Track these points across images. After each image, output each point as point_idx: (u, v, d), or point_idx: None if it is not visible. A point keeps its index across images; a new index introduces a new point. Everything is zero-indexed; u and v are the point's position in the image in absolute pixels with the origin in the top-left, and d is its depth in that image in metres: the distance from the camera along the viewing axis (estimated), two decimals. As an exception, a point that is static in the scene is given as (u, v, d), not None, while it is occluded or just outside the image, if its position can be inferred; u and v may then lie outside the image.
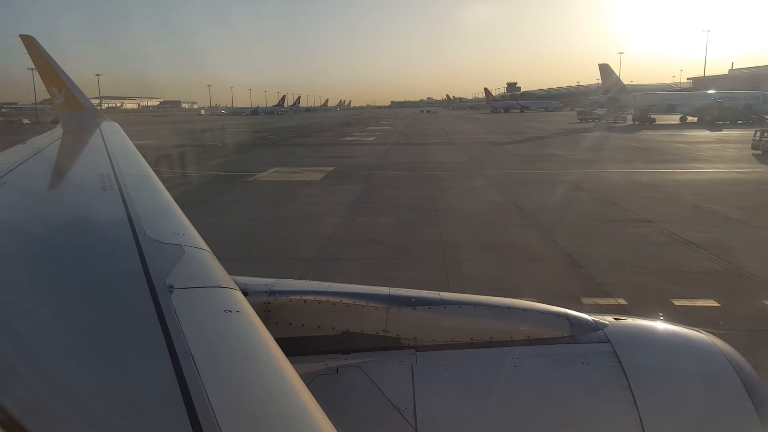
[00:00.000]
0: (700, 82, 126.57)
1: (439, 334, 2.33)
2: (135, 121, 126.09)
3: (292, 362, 1.39)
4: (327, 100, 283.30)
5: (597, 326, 2.36)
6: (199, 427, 1.03)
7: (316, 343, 2.33)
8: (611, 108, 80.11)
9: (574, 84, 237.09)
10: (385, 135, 64.39)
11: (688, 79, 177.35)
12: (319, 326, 2.35)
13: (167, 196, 3.29)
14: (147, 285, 1.69)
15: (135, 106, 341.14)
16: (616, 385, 2.11)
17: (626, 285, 10.86)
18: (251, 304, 1.73)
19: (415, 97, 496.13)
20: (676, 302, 9.91)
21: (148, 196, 3.32)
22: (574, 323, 2.37)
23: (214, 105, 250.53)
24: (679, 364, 2.25)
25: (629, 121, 76.99)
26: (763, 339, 8.38)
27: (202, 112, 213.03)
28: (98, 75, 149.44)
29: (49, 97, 9.74)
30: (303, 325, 2.36)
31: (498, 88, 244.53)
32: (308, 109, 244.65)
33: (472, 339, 2.32)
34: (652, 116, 74.59)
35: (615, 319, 2.46)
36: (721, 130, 58.97)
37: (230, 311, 1.60)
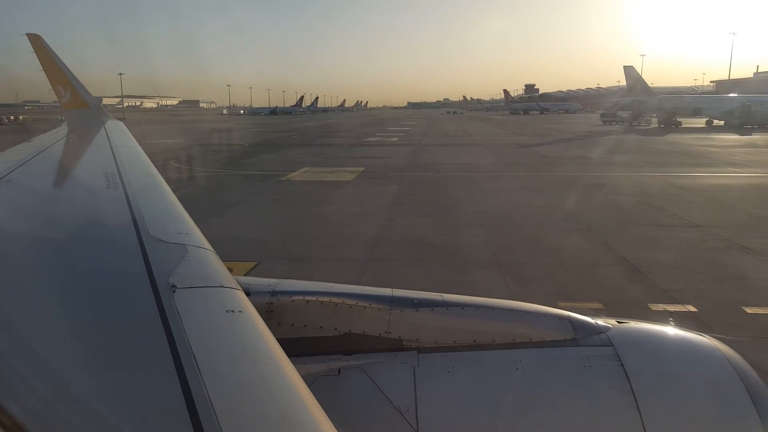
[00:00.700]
0: (723, 86, 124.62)
1: (441, 336, 2.33)
2: (158, 120, 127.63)
3: (294, 363, 1.38)
4: (344, 100, 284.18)
5: (600, 329, 2.36)
6: (200, 427, 1.02)
7: (318, 344, 2.33)
8: (635, 110, 79.03)
9: (593, 86, 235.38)
10: (407, 136, 64.14)
11: (711, 82, 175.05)
12: (321, 327, 2.36)
13: (171, 195, 3.26)
14: (149, 284, 1.67)
15: (154, 105, 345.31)
16: (619, 389, 2.09)
17: (692, 291, 10.54)
18: (254, 305, 1.72)
19: (431, 98, 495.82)
20: (748, 310, 9.60)
21: (152, 195, 3.31)
22: (576, 326, 2.36)
23: (232, 105, 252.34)
24: (682, 368, 2.23)
25: (654, 124, 75.88)
26: None
27: (225, 111, 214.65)
28: (121, 74, 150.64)
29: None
30: (305, 325, 2.36)
31: (516, 89, 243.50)
32: (325, 110, 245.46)
33: (474, 341, 2.32)
34: (678, 119, 73.45)
35: (618, 322, 2.45)
36: (750, 134, 57.85)
37: (232, 311, 1.58)
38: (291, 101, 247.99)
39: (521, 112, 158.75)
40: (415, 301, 2.40)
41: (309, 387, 1.29)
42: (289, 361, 1.38)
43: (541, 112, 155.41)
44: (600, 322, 2.41)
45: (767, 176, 26.85)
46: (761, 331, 8.93)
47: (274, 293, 2.40)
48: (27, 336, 1.39)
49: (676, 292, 10.47)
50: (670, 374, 2.19)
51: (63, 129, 8.11)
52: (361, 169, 30.17)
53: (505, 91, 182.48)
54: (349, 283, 2.62)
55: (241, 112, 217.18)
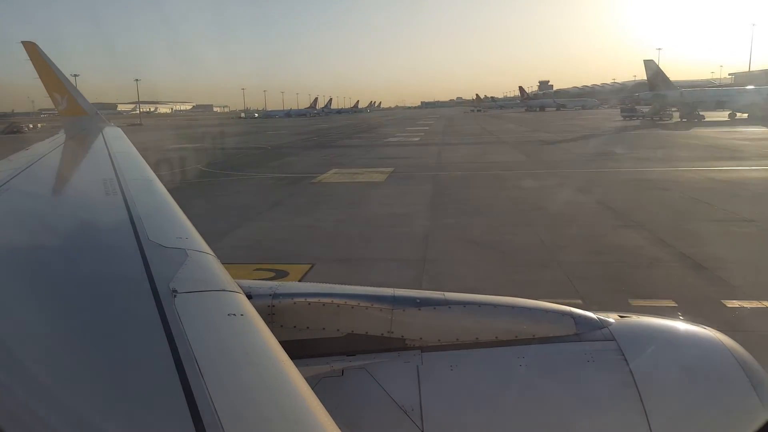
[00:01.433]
0: (742, 78, 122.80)
1: (444, 335, 2.32)
2: (176, 125, 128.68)
3: (297, 365, 1.38)
4: (358, 101, 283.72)
5: (602, 324, 2.36)
6: (203, 431, 1.01)
7: (321, 345, 2.32)
8: (656, 105, 77.96)
9: (609, 81, 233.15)
10: (427, 135, 63.97)
11: (729, 74, 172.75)
12: (323, 328, 2.35)
13: (170, 200, 3.26)
14: (150, 289, 1.66)
15: (169, 111, 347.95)
16: (622, 383, 2.09)
17: (764, 286, 10.29)
18: (255, 308, 1.71)
19: (444, 97, 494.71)
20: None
21: (151, 201, 3.32)
22: (579, 321, 2.36)
23: (246, 108, 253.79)
24: (684, 360, 2.22)
25: (675, 118, 74.80)
26: None
27: (243, 114, 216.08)
28: (137, 80, 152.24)
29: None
30: (307, 327, 2.35)
31: (530, 86, 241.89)
32: (339, 111, 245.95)
33: (477, 339, 2.31)
34: (701, 113, 72.32)
35: (620, 316, 2.45)
36: (777, 126, 56.83)
37: (234, 315, 1.58)
38: (305, 103, 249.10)
39: (537, 109, 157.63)
40: (418, 300, 2.39)
41: (312, 389, 1.29)
42: (292, 364, 1.37)
43: (558, 109, 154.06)
44: (602, 316, 2.41)
45: (808, 168, 26.29)
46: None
47: (275, 296, 2.40)
48: (29, 342, 1.39)
49: (748, 287, 10.22)
50: (673, 367, 2.19)
51: (60, 136, 8.04)
52: (391, 169, 30.07)
53: (520, 88, 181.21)
54: (354, 284, 2.61)
55: (255, 115, 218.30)
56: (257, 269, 12.34)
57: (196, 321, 1.50)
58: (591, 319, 2.39)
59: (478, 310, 2.39)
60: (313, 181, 26.72)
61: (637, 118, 79.56)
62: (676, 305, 9.39)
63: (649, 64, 79.22)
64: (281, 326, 2.31)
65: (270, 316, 2.32)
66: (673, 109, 76.66)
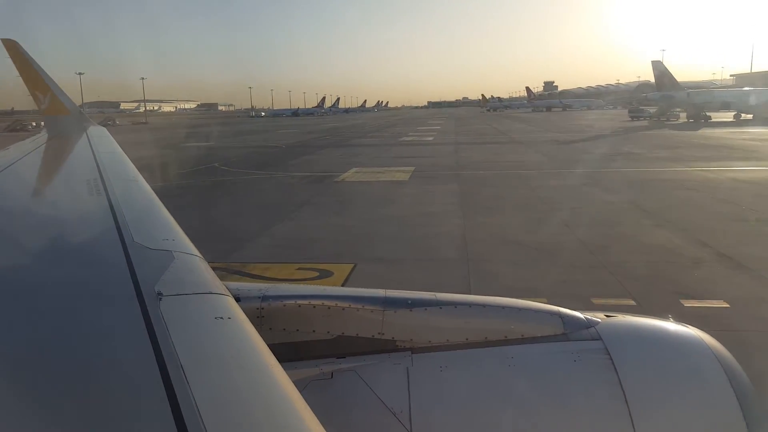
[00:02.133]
0: (744, 79, 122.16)
1: (434, 336, 2.32)
2: (183, 124, 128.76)
3: (286, 368, 1.36)
4: (365, 101, 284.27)
5: (589, 324, 2.38)
6: None
7: (311, 348, 2.31)
8: (664, 105, 77.97)
9: (613, 82, 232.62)
10: (440, 135, 64.08)
11: (731, 75, 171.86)
12: (313, 331, 2.33)
13: (156, 201, 3.21)
14: (135, 292, 1.64)
15: (173, 109, 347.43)
16: (608, 381, 2.11)
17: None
18: (244, 311, 1.69)
19: (450, 97, 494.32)
20: None
21: (137, 202, 3.27)
22: (566, 321, 2.38)
23: (252, 107, 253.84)
24: (667, 359, 2.26)
25: (682, 119, 74.81)
26: None
27: (253, 113, 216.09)
28: (143, 78, 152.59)
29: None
30: (297, 330, 2.33)
31: (535, 87, 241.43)
32: (346, 110, 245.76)
33: (467, 339, 2.32)
34: (708, 113, 72.38)
35: (606, 316, 2.47)
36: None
37: (221, 318, 1.55)
38: (312, 102, 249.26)
39: (544, 110, 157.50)
40: (409, 302, 2.39)
41: (301, 392, 1.28)
42: (281, 367, 1.36)
43: (564, 109, 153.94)
44: (589, 316, 2.44)
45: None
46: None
47: (264, 298, 2.38)
48: (11, 346, 1.37)
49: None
50: (656, 366, 2.22)
51: (42, 135, 7.92)
52: (412, 168, 30.17)
53: (527, 88, 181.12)
54: (345, 286, 2.65)
55: (262, 114, 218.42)
56: (299, 268, 12.47)
57: (183, 324, 1.47)
58: (578, 318, 2.41)
59: (468, 310, 2.40)
60: (337, 180, 26.86)
61: (645, 119, 79.59)
62: (729, 306, 9.51)
63: (657, 65, 79.20)
64: (270, 329, 2.29)
65: (259, 318, 2.29)
66: (678, 109, 76.68)
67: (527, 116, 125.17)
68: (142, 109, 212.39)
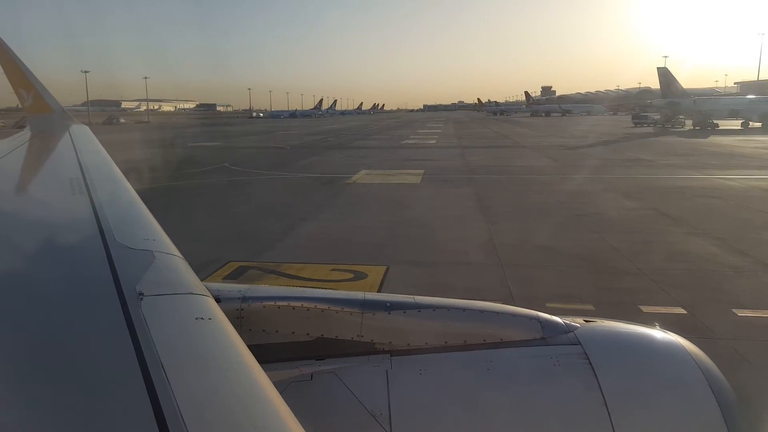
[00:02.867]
0: (748, 87, 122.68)
1: (413, 339, 2.32)
2: (184, 124, 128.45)
3: (265, 369, 1.37)
4: (362, 103, 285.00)
5: (568, 328, 2.38)
6: None
7: (291, 349, 2.30)
8: (669, 112, 78.01)
9: (612, 87, 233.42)
10: (442, 138, 63.85)
11: (735, 83, 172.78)
12: (293, 332, 2.32)
13: (138, 201, 3.18)
14: (116, 292, 1.64)
15: (172, 109, 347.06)
16: (587, 386, 2.12)
17: None
18: (224, 311, 1.69)
19: (446, 101, 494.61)
20: None
21: (118, 201, 3.25)
22: (545, 325, 2.38)
23: (250, 107, 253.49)
24: (646, 364, 2.26)
25: (688, 126, 74.81)
26: None
27: (261, 114, 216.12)
28: (146, 78, 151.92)
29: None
30: (277, 331, 2.33)
31: (533, 91, 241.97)
32: (343, 113, 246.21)
33: (446, 342, 2.31)
34: (715, 121, 72.34)
35: (585, 321, 2.47)
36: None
37: (202, 318, 1.55)
38: (309, 104, 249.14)
39: (543, 114, 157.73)
40: (387, 304, 2.38)
41: (281, 393, 1.29)
42: (260, 368, 1.36)
43: (563, 114, 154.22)
44: (568, 321, 2.44)
45: None
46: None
47: (244, 299, 2.37)
48: None
49: None
50: (636, 371, 2.22)
51: (25, 133, 7.77)
52: (421, 171, 29.88)
53: (526, 93, 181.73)
54: (323, 288, 2.51)
55: (261, 115, 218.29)
56: (333, 269, 12.18)
57: (163, 325, 1.47)
58: (557, 323, 2.41)
59: (447, 314, 2.38)
60: (348, 182, 26.51)
61: (649, 125, 79.62)
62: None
63: (663, 71, 79.25)
64: (250, 330, 2.29)
65: (239, 319, 2.28)
66: (682, 117, 76.69)
67: (526, 121, 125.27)
68: (142, 108, 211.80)
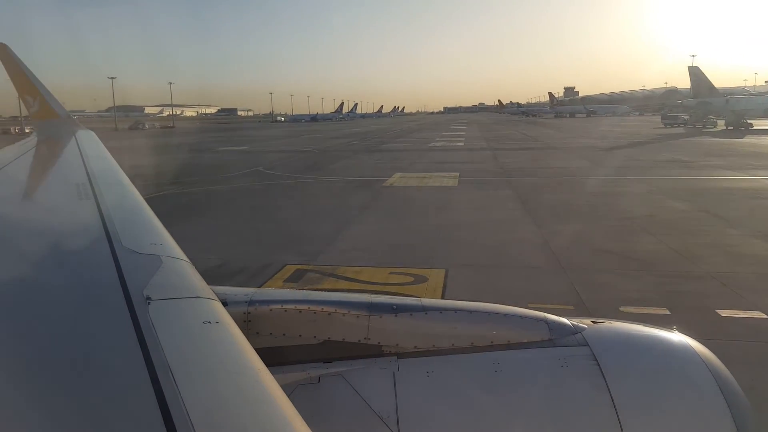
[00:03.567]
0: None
1: (420, 341, 2.32)
2: (210, 129, 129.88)
3: (273, 373, 1.37)
4: (381, 106, 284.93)
5: (576, 330, 2.37)
6: None
7: (298, 352, 2.30)
8: (700, 112, 76.51)
9: (637, 88, 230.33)
10: (469, 140, 63.49)
11: (766, 81, 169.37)
12: (300, 335, 2.32)
13: (144, 206, 3.20)
14: (124, 296, 1.64)
15: (194, 114, 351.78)
16: (595, 387, 2.11)
17: None
18: (231, 315, 1.69)
19: (466, 102, 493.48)
20: None
21: (125, 206, 3.29)
22: (552, 327, 2.37)
23: (271, 111, 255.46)
24: (656, 365, 2.24)
25: (720, 126, 73.29)
26: None
27: (282, 118, 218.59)
28: (170, 83, 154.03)
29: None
30: (284, 334, 2.33)
31: (557, 92, 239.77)
32: (363, 116, 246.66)
33: (453, 344, 2.31)
34: (749, 121, 70.66)
35: (593, 322, 2.45)
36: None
37: (209, 322, 1.55)
38: (329, 108, 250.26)
39: (567, 115, 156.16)
40: (394, 307, 2.38)
41: (289, 396, 1.28)
42: (268, 372, 1.36)
43: (588, 115, 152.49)
44: (575, 322, 2.42)
45: None
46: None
47: (251, 303, 2.36)
48: None
49: None
50: (644, 371, 2.20)
51: (32, 139, 7.82)
52: (457, 174, 29.73)
53: (550, 94, 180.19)
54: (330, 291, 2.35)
55: (281, 119, 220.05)
56: (392, 273, 12.10)
57: (171, 329, 1.47)
58: (565, 324, 2.40)
59: (453, 316, 2.38)
60: (384, 185, 26.47)
61: (679, 126, 78.23)
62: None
63: (694, 71, 77.84)
64: (257, 333, 2.30)
65: (246, 323, 2.29)
66: (711, 117, 75.05)
67: (551, 122, 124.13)
68: (165, 114, 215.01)
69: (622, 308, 9.55)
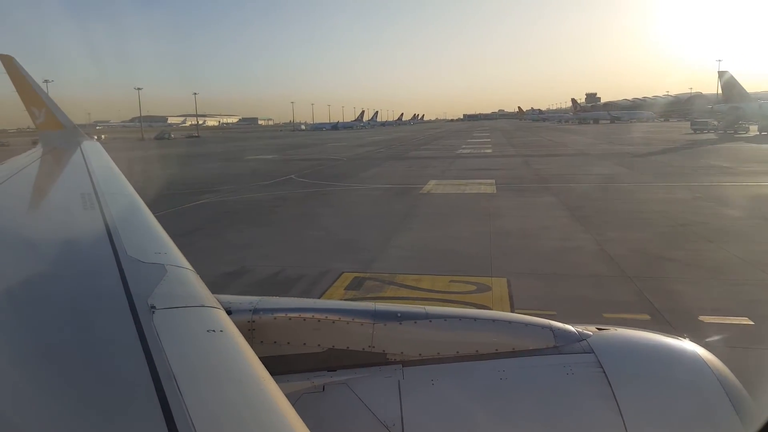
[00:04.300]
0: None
1: (425, 349, 2.30)
2: (235, 138, 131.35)
3: (277, 381, 1.37)
4: (402, 114, 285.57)
5: (581, 337, 2.34)
6: None
7: (302, 361, 2.30)
8: (731, 117, 75.02)
9: (660, 93, 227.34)
10: (496, 147, 63.09)
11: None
12: (304, 344, 2.32)
13: (149, 215, 3.23)
14: (128, 305, 1.64)
15: (216, 123, 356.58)
16: (601, 395, 2.08)
17: None
18: (235, 323, 1.69)
19: (486, 110, 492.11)
20: None
21: (130, 215, 3.30)
22: (558, 334, 2.35)
23: (292, 120, 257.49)
24: (662, 372, 2.20)
25: (753, 131, 71.75)
26: None
27: (303, 126, 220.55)
28: (195, 94, 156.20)
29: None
30: (288, 343, 2.32)
31: (578, 98, 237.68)
32: (383, 124, 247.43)
33: (457, 352, 2.30)
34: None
35: (598, 329, 2.42)
36: None
37: (213, 331, 1.55)
38: (350, 116, 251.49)
39: (591, 122, 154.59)
40: (399, 315, 2.38)
41: (293, 405, 1.28)
42: (272, 380, 1.36)
43: (612, 121, 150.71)
44: (581, 329, 2.40)
45: None
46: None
47: (255, 311, 2.37)
48: (4, 358, 1.37)
49: None
50: (651, 378, 2.17)
51: (37, 150, 7.85)
52: (492, 180, 29.46)
53: (573, 100, 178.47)
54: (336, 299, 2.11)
55: (303, 127, 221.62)
56: (453, 281, 11.92)
57: (175, 337, 1.48)
58: (570, 331, 2.38)
59: (458, 323, 2.38)
60: (422, 192, 26.32)
61: (709, 131, 76.85)
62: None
63: (724, 75, 76.50)
64: (261, 342, 2.30)
65: (250, 332, 2.30)
66: (742, 122, 73.47)
67: (575, 128, 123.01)
68: (187, 123, 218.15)
69: (701, 317, 9.27)
